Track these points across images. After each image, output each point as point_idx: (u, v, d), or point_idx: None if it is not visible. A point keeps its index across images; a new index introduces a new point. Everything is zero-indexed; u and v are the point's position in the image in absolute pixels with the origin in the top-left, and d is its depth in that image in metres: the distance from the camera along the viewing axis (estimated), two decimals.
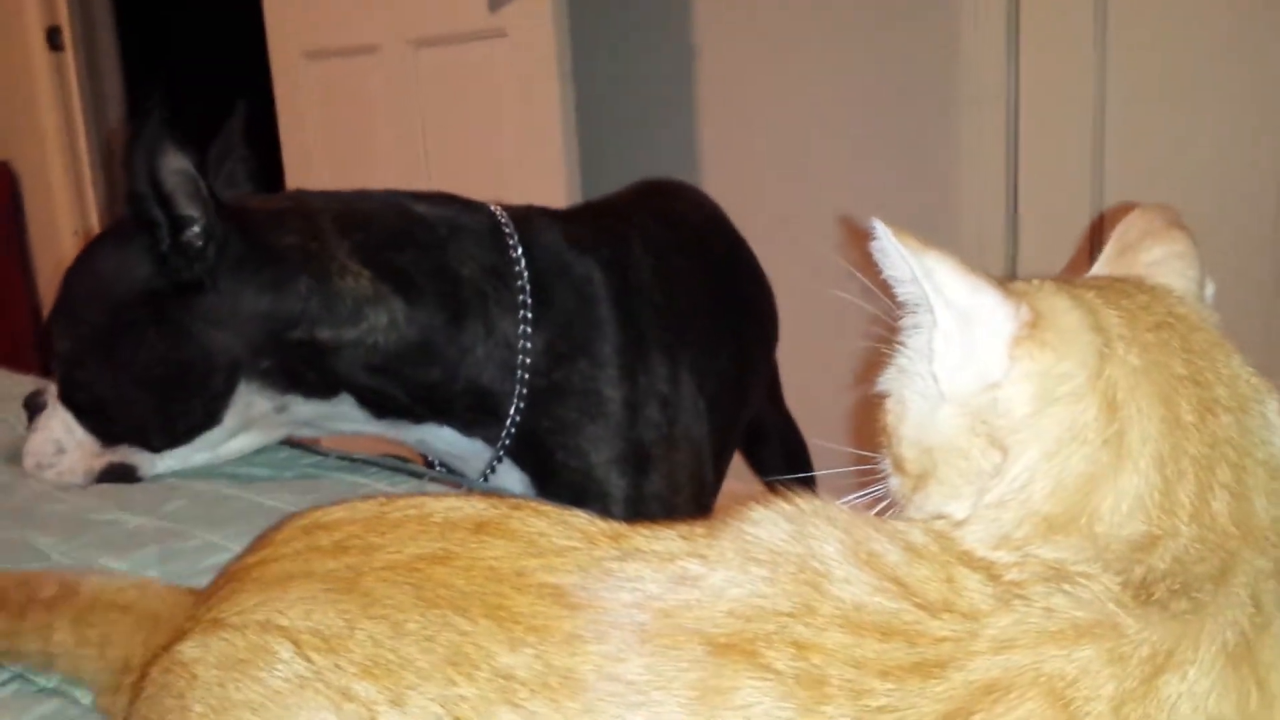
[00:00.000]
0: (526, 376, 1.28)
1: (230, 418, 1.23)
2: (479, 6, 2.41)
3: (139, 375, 1.21)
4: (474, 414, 1.30)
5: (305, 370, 1.23)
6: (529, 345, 1.28)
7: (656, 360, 1.35)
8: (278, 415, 1.26)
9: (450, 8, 2.50)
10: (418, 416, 1.30)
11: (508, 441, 1.31)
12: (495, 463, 1.33)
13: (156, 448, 1.24)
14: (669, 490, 1.34)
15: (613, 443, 1.31)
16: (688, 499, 1.36)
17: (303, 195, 1.32)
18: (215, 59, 3.49)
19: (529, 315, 1.28)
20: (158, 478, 1.25)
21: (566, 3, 2.34)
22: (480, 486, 1.31)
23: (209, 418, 1.23)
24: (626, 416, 1.32)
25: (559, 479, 1.33)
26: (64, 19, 3.54)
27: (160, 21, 4.21)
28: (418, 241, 1.27)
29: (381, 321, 1.22)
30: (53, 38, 3.56)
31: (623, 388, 1.32)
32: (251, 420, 1.25)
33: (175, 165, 1.15)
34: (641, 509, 1.31)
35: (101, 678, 0.73)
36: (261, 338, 1.20)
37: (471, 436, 1.33)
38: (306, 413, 1.28)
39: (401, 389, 1.26)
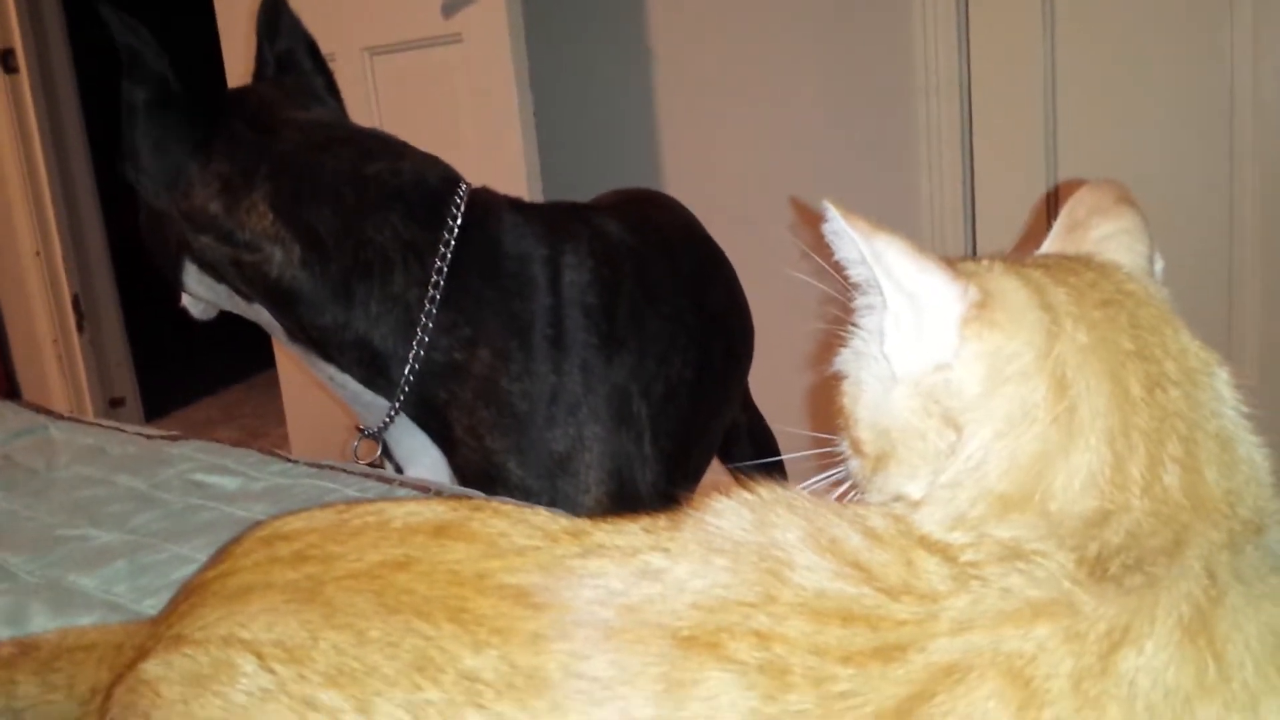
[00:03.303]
0: (422, 352, 1.32)
1: (191, 284, 1.44)
2: (433, 12, 2.40)
3: (145, 227, 1.45)
4: (364, 369, 1.36)
5: (222, 270, 1.38)
6: (430, 323, 1.32)
7: (574, 362, 1.34)
8: (228, 298, 1.43)
9: (404, 14, 2.49)
10: (323, 353, 1.38)
11: (401, 399, 1.35)
12: (392, 414, 1.38)
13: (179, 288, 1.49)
14: (574, 489, 1.33)
15: (508, 435, 1.32)
16: (597, 500, 1.34)
17: (285, 135, 1.38)
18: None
19: (437, 295, 1.32)
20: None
21: (521, 6, 2.33)
22: (446, 487, 1.31)
23: (176, 278, 1.45)
24: (525, 411, 1.32)
25: (460, 454, 1.36)
26: (17, 41, 3.50)
27: (115, 42, 4.17)
28: (342, 201, 1.33)
29: (276, 256, 1.32)
30: (6, 60, 3.53)
31: (522, 382, 1.33)
32: (209, 287, 1.43)
33: None
34: (540, 502, 1.31)
35: (69, 713, 0.72)
36: (185, 229, 1.36)
37: (372, 389, 1.38)
38: (240, 305, 1.43)
39: (296, 323, 1.36)
